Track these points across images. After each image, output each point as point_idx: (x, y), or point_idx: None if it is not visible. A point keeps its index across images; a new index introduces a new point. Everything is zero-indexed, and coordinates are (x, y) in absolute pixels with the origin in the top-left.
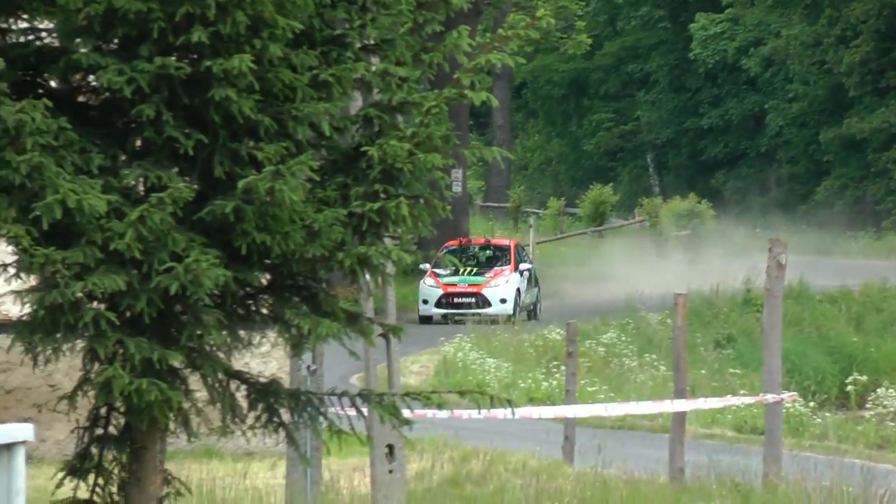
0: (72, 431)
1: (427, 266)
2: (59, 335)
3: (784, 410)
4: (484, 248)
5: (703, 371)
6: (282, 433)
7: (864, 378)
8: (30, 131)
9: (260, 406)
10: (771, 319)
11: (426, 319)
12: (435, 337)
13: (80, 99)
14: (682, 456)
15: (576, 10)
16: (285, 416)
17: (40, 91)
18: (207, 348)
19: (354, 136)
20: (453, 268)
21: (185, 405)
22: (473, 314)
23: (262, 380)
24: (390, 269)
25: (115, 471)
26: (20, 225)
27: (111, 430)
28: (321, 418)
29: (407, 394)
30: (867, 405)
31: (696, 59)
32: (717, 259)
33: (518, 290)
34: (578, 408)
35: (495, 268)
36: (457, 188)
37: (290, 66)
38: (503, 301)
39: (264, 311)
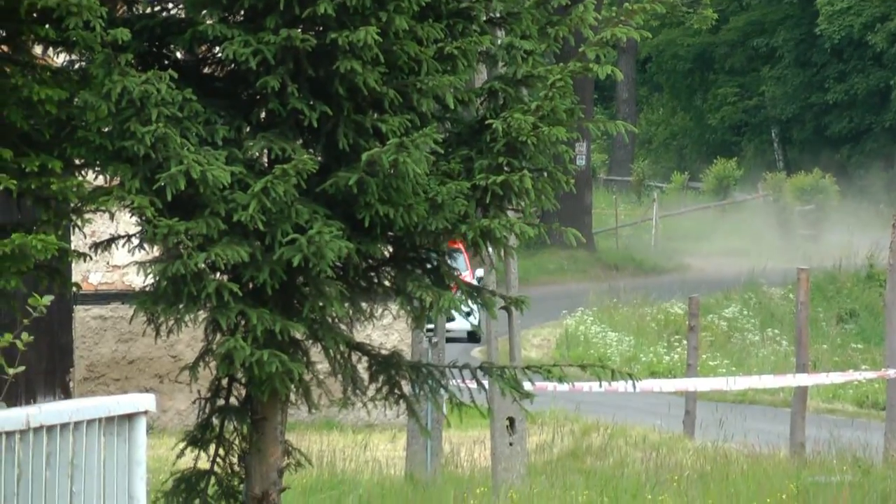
0: (193, 402)
1: None
2: (181, 306)
3: None
4: None
5: (824, 346)
6: (402, 405)
7: None
8: (155, 102)
9: (381, 378)
10: (893, 295)
11: None
12: (557, 310)
13: (206, 70)
14: (803, 430)
15: None
16: (406, 388)
17: (166, 62)
18: (329, 320)
19: (479, 108)
20: None
21: (307, 377)
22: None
23: (383, 352)
24: (513, 241)
25: (236, 441)
26: (144, 196)
27: (232, 401)
28: (442, 391)
29: (528, 367)
30: None
31: (822, 35)
32: (840, 234)
33: None
34: (700, 381)
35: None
36: (580, 162)
37: (415, 39)
38: (468, 314)
39: (386, 283)
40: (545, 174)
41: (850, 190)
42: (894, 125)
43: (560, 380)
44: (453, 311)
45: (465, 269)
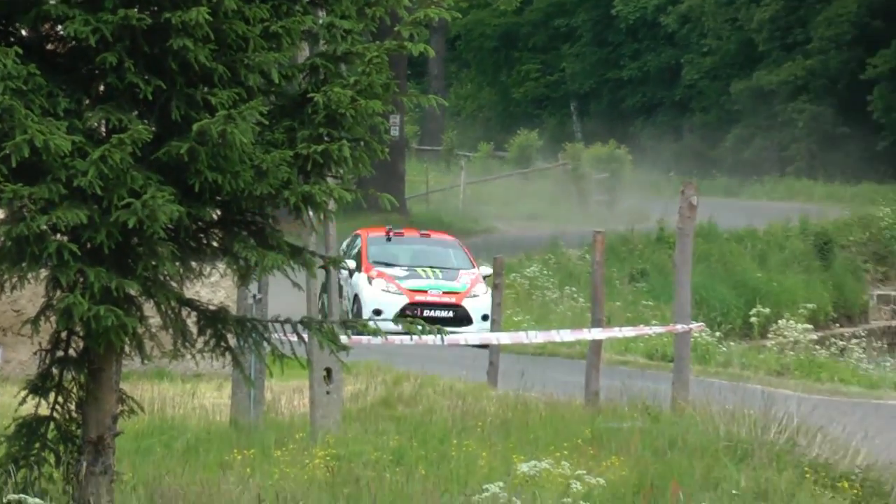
0: (34, 353)
1: (349, 264)
2: (24, 264)
3: (692, 340)
4: (423, 240)
5: (618, 303)
6: (228, 357)
7: (767, 310)
8: (1, 76)
9: (209, 331)
10: (682, 256)
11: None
12: None
13: (49, 47)
14: (597, 381)
15: None
16: (232, 341)
17: (12, 39)
18: (161, 278)
19: (301, 83)
20: (408, 267)
21: (140, 330)
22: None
23: (211, 307)
24: (332, 206)
25: (74, 390)
26: None
27: (71, 352)
28: (265, 343)
29: (344, 321)
30: (768, 335)
31: (618, 16)
32: (633, 200)
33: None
34: (503, 335)
35: (461, 270)
36: (395, 132)
37: (243, 19)
38: (485, 318)
39: (215, 243)
40: (362, 144)
41: (643, 159)
42: (683, 100)
43: (374, 333)
44: (470, 313)
45: (471, 266)
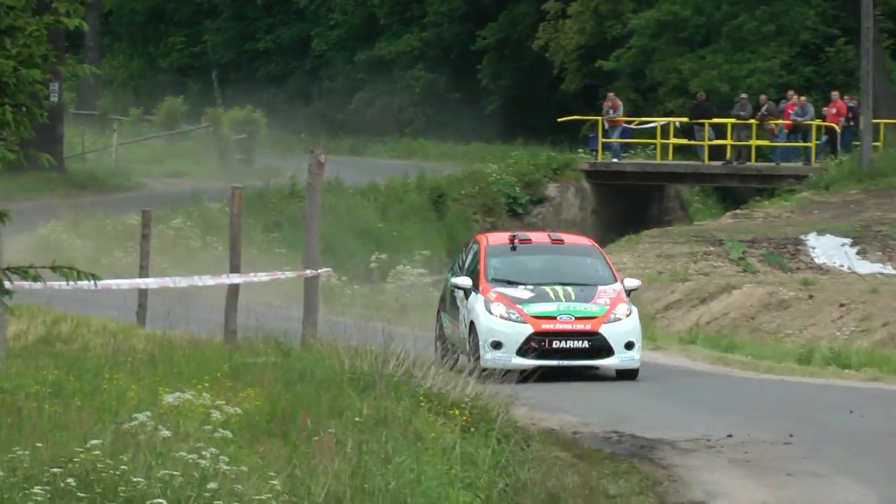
0: None
1: (465, 281)
2: None
3: (320, 283)
4: (555, 248)
5: (254, 251)
6: None
7: (386, 257)
8: None
9: None
10: (311, 209)
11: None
12: (35, 222)
13: None
14: (235, 321)
15: None
16: None
17: None
18: None
19: None
20: (528, 286)
21: None
22: (586, 367)
23: None
24: None
25: None
26: None
27: None
28: None
29: (8, 268)
30: (388, 279)
31: None
32: (268, 159)
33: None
34: (150, 280)
35: (598, 286)
36: (54, 98)
37: None
38: (629, 346)
39: None
40: (24, 109)
41: (277, 122)
42: (313, 68)
43: (35, 279)
44: (610, 343)
45: (612, 280)
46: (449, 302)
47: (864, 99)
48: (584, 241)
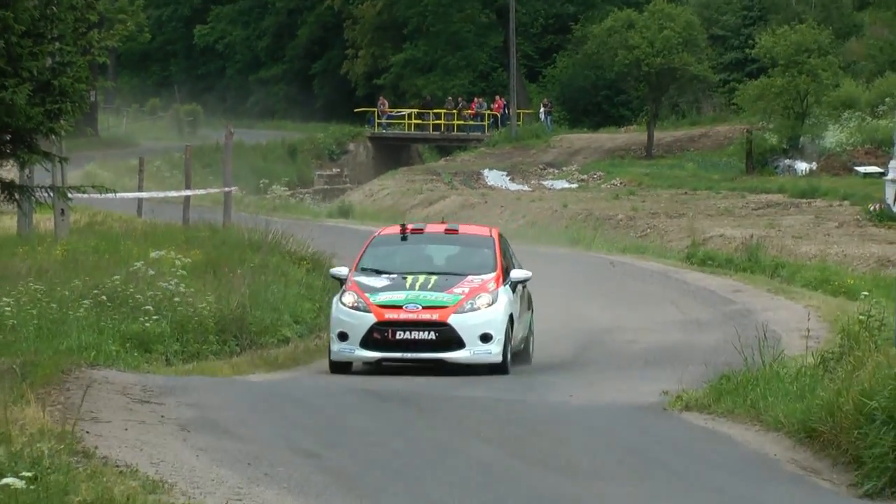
0: None
1: (341, 271)
2: None
3: (233, 195)
4: (446, 238)
5: (197, 178)
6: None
7: (267, 181)
8: None
9: (6, 192)
10: (226, 156)
11: (341, 367)
12: (89, 162)
13: None
14: (188, 214)
15: None
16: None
17: None
18: None
19: None
20: (392, 275)
21: None
22: (432, 360)
23: (5, 180)
24: None
25: None
26: None
27: None
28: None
29: (70, 186)
30: (267, 193)
31: None
32: (204, 131)
33: (511, 317)
34: (143, 194)
35: (468, 276)
36: (91, 98)
37: None
38: (485, 338)
39: (7, 150)
40: (77, 104)
41: (209, 111)
42: (228, 84)
43: (83, 191)
44: (460, 334)
45: (491, 270)
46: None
47: (512, 100)
48: (482, 231)
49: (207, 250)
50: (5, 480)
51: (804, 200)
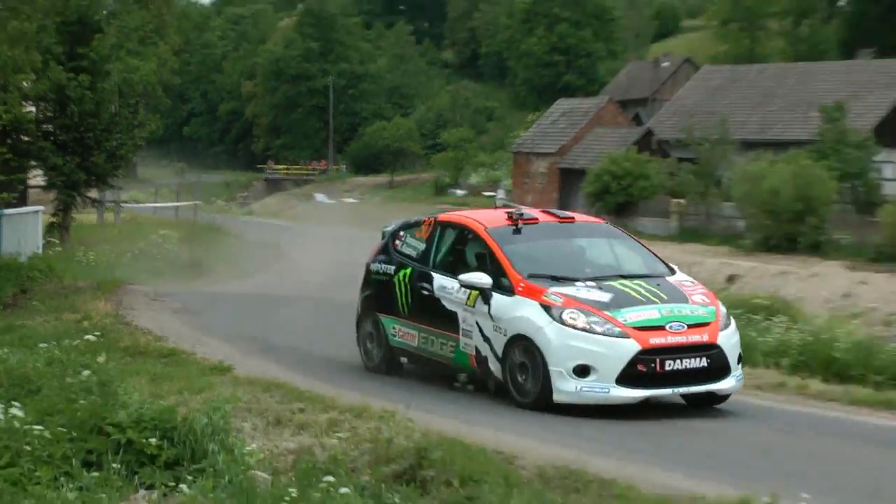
0: None
1: (480, 278)
2: None
3: (196, 206)
4: (573, 229)
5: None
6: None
7: (223, 197)
8: None
9: None
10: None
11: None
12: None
13: None
14: (177, 213)
15: None
16: None
17: None
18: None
19: None
20: (595, 280)
21: None
22: (702, 394)
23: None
24: None
25: None
26: None
27: None
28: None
29: (114, 200)
30: (224, 202)
31: None
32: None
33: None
34: (157, 205)
35: (668, 277)
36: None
37: None
38: (739, 360)
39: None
40: (133, 144)
41: (184, 158)
42: (186, 139)
43: (124, 203)
44: (728, 359)
45: (665, 266)
46: (409, 300)
47: (330, 161)
48: (598, 221)
49: (186, 230)
50: (87, 336)
51: None
